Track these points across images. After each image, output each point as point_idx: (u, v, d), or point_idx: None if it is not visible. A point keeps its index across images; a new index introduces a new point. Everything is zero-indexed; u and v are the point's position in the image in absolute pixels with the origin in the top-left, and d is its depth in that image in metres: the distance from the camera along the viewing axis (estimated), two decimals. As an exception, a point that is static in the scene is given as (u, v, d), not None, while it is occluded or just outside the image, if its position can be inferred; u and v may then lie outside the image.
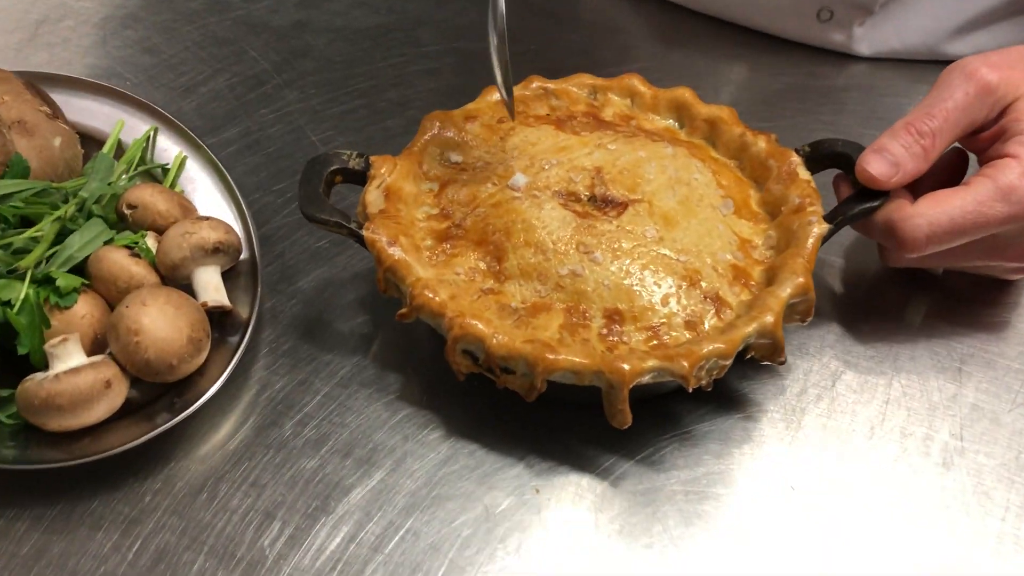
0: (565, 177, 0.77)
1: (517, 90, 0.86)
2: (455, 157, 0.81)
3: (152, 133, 0.88)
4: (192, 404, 0.70)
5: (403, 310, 0.73)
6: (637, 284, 0.72)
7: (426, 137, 0.81)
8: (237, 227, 0.80)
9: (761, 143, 0.82)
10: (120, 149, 0.86)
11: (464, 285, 0.73)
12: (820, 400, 0.78)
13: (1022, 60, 0.76)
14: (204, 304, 0.74)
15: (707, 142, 0.85)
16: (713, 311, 0.73)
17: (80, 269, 0.73)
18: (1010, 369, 0.79)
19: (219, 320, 0.76)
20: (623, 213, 0.75)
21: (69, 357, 0.67)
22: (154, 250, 0.76)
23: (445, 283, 0.73)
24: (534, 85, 0.86)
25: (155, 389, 0.72)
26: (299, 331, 0.80)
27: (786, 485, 0.73)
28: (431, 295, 0.71)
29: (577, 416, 0.74)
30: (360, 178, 0.79)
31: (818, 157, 0.80)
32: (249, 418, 0.75)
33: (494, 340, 0.69)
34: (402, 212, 0.76)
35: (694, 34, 1.07)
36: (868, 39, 1.02)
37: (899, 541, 0.70)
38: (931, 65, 1.01)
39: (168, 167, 0.86)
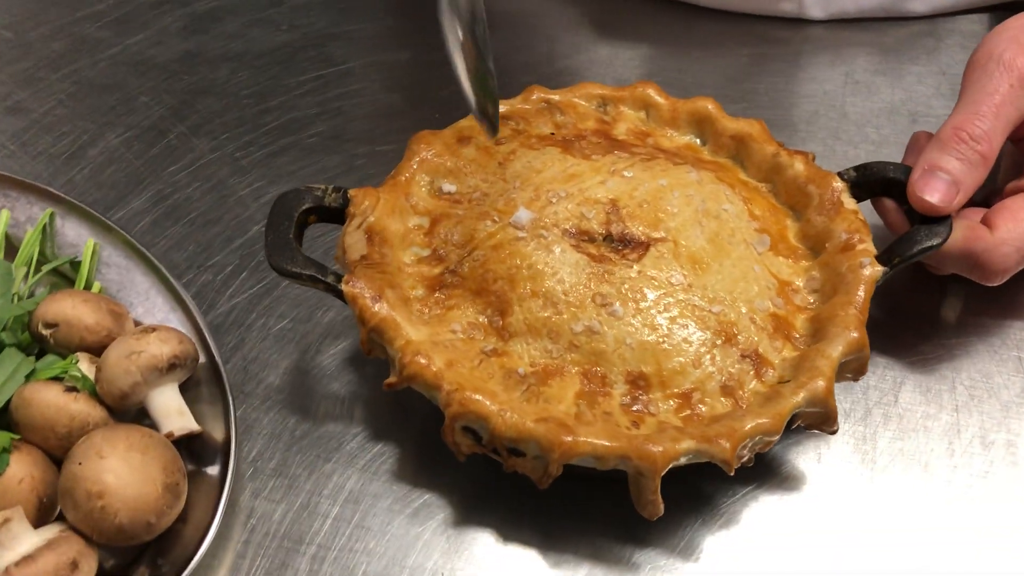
0: (576, 212, 0.66)
1: (515, 104, 0.75)
2: (448, 186, 0.70)
3: (47, 219, 0.71)
4: (183, 564, 0.56)
5: (392, 379, 0.62)
6: (664, 341, 0.62)
7: (414, 163, 0.70)
8: (181, 326, 0.67)
9: (798, 165, 0.71)
10: (10, 247, 0.70)
11: (462, 346, 0.63)
12: (888, 421, 0.69)
13: None
14: (170, 435, 0.60)
15: (734, 162, 0.74)
16: (752, 372, 0.63)
17: (2, 418, 0.60)
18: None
19: (188, 446, 0.62)
20: (644, 255, 0.64)
21: (16, 541, 0.54)
22: (92, 376, 0.62)
23: (440, 345, 0.62)
24: (534, 97, 0.75)
25: (131, 550, 0.60)
26: (284, 439, 0.68)
27: (872, 530, 0.65)
28: (424, 362, 0.60)
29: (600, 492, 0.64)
30: (338, 216, 0.68)
31: (865, 183, 0.69)
32: (253, 563, 0.62)
33: (501, 419, 0.58)
34: (387, 257, 0.65)
35: (638, 20, 0.94)
36: (820, 3, 0.92)
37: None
38: (891, 21, 0.92)
39: (79, 260, 0.70)
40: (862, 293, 0.64)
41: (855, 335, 0.62)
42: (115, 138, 0.84)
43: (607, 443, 0.57)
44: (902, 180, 0.68)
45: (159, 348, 0.62)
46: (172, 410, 0.62)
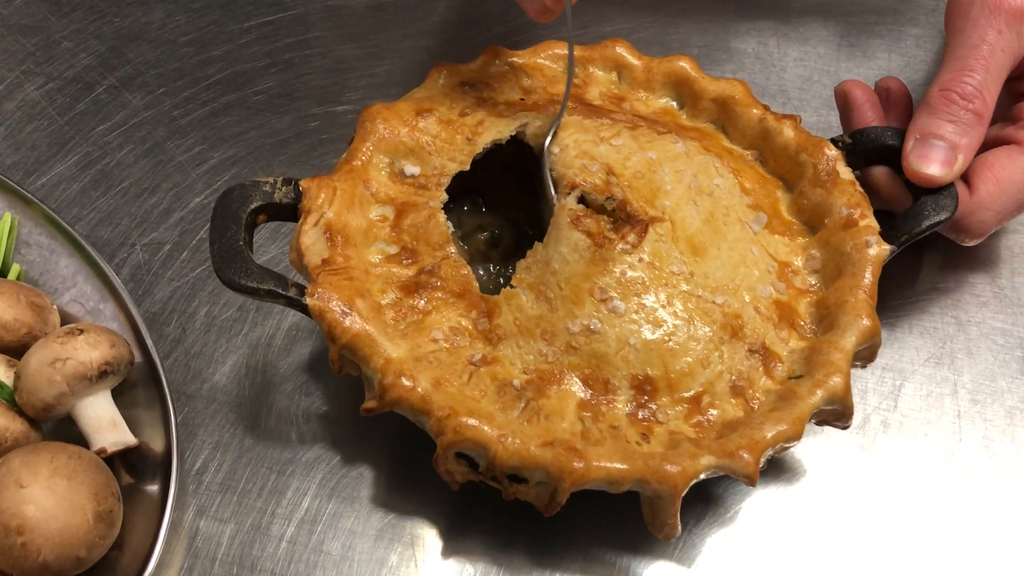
0: (578, 164, 0.59)
1: (475, 67, 0.67)
2: (411, 168, 0.62)
3: None
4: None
5: (370, 403, 0.55)
6: (670, 340, 0.57)
7: (369, 144, 0.62)
8: (113, 319, 0.58)
9: (788, 131, 0.66)
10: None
11: (448, 359, 0.56)
12: (887, 427, 0.64)
13: None
14: (102, 451, 0.53)
15: (716, 127, 0.68)
16: (761, 368, 0.58)
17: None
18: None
19: (123, 459, 0.55)
20: (644, 238, 0.58)
21: None
22: (9, 383, 0.54)
23: (423, 361, 0.55)
24: (496, 60, 0.67)
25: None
26: (232, 449, 0.60)
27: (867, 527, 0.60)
28: (409, 384, 0.54)
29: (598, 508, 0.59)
30: (290, 213, 0.59)
31: (861, 151, 0.65)
32: (201, 593, 0.55)
33: (502, 446, 0.52)
34: (352, 259, 0.57)
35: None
36: None
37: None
38: None
39: (-8, 242, 0.60)
40: (870, 275, 0.60)
41: (867, 323, 0.58)
42: (34, 90, 0.72)
43: (622, 466, 0.52)
44: (899, 148, 0.63)
45: (88, 354, 0.54)
46: (104, 423, 0.54)
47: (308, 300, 0.55)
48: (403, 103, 0.64)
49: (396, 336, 0.56)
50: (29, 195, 0.62)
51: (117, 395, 0.56)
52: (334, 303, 0.55)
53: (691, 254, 0.59)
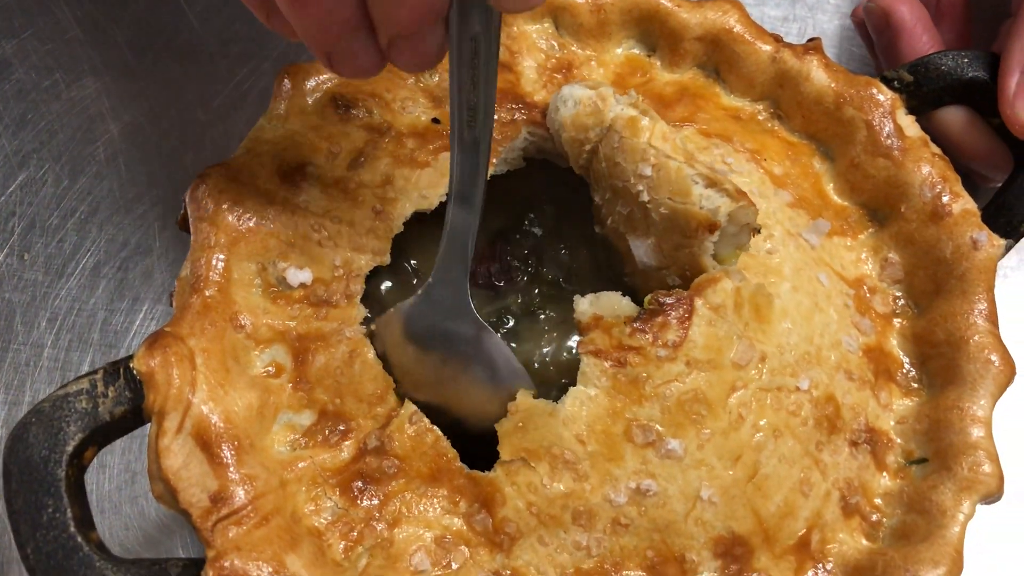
0: None
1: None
2: (296, 274, 0.39)
3: None
4: None
5: None
6: (755, 474, 0.39)
7: (218, 252, 0.38)
8: None
9: (817, 71, 0.45)
10: None
11: (451, 599, 0.36)
12: None
13: None
14: None
15: (707, 75, 0.47)
16: (872, 463, 0.41)
17: None
18: None
19: None
20: (690, 321, 0.38)
21: None
22: None
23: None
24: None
25: None
26: None
27: None
28: None
29: None
30: (131, 422, 0.36)
31: (929, 92, 0.45)
32: None
33: None
34: (257, 477, 0.35)
35: None
36: None
37: None
38: None
39: None
40: (986, 292, 0.42)
41: (1000, 367, 0.41)
42: None
43: None
44: (989, 82, 0.44)
45: None
46: None
47: (212, 589, 0.33)
48: (253, 159, 0.40)
49: (362, 589, 0.35)
50: None
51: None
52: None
53: (756, 321, 0.40)
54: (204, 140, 0.55)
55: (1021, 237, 0.43)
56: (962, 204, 0.43)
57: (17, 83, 0.57)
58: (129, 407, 0.35)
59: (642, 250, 0.40)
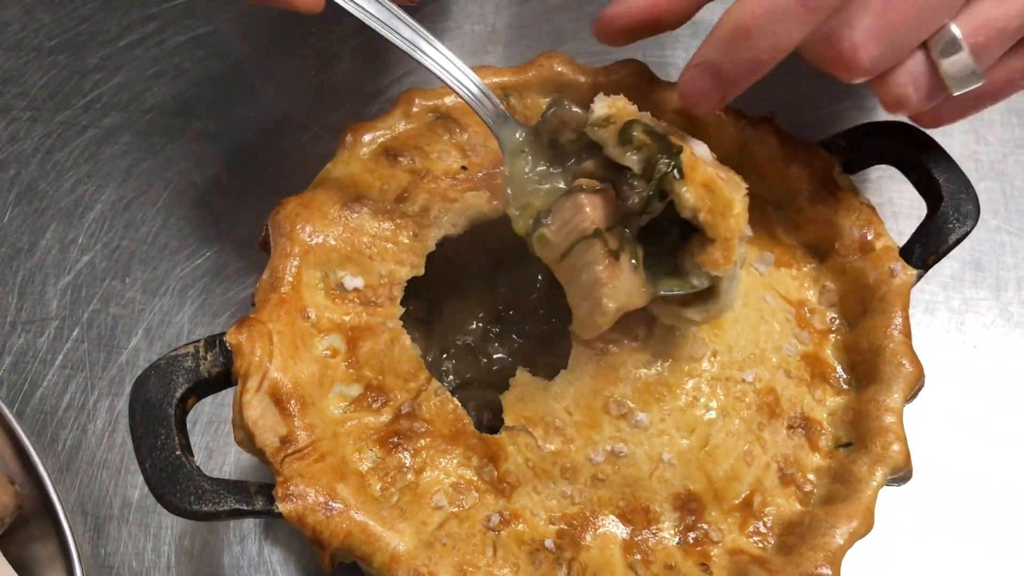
0: None
1: (392, 123, 0.55)
2: (351, 280, 0.51)
3: None
4: None
5: (386, 612, 0.45)
6: (707, 443, 0.49)
7: (294, 259, 0.50)
8: None
9: (771, 138, 0.57)
10: None
11: (460, 530, 0.46)
12: None
13: None
14: None
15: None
16: (806, 444, 0.51)
17: None
18: None
19: None
20: (652, 325, 0.49)
21: None
22: None
23: (436, 545, 0.45)
24: (416, 108, 0.55)
25: None
26: None
27: None
28: (433, 585, 0.44)
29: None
30: (223, 382, 0.47)
31: (861, 155, 0.56)
32: None
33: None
34: (317, 427, 0.46)
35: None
36: None
37: None
38: None
39: None
40: (900, 310, 0.52)
41: (911, 369, 0.51)
42: None
43: (700, 628, 0.45)
44: (904, 149, 0.55)
45: None
46: None
47: (281, 507, 0.44)
48: (322, 192, 0.52)
49: (395, 517, 0.45)
50: None
51: (6, 535, 0.47)
52: (312, 498, 0.44)
53: (710, 326, 0.50)
54: (272, 191, 0.67)
55: (929, 267, 0.54)
56: (884, 241, 0.54)
57: (124, 145, 0.69)
58: (222, 369, 0.46)
59: None
